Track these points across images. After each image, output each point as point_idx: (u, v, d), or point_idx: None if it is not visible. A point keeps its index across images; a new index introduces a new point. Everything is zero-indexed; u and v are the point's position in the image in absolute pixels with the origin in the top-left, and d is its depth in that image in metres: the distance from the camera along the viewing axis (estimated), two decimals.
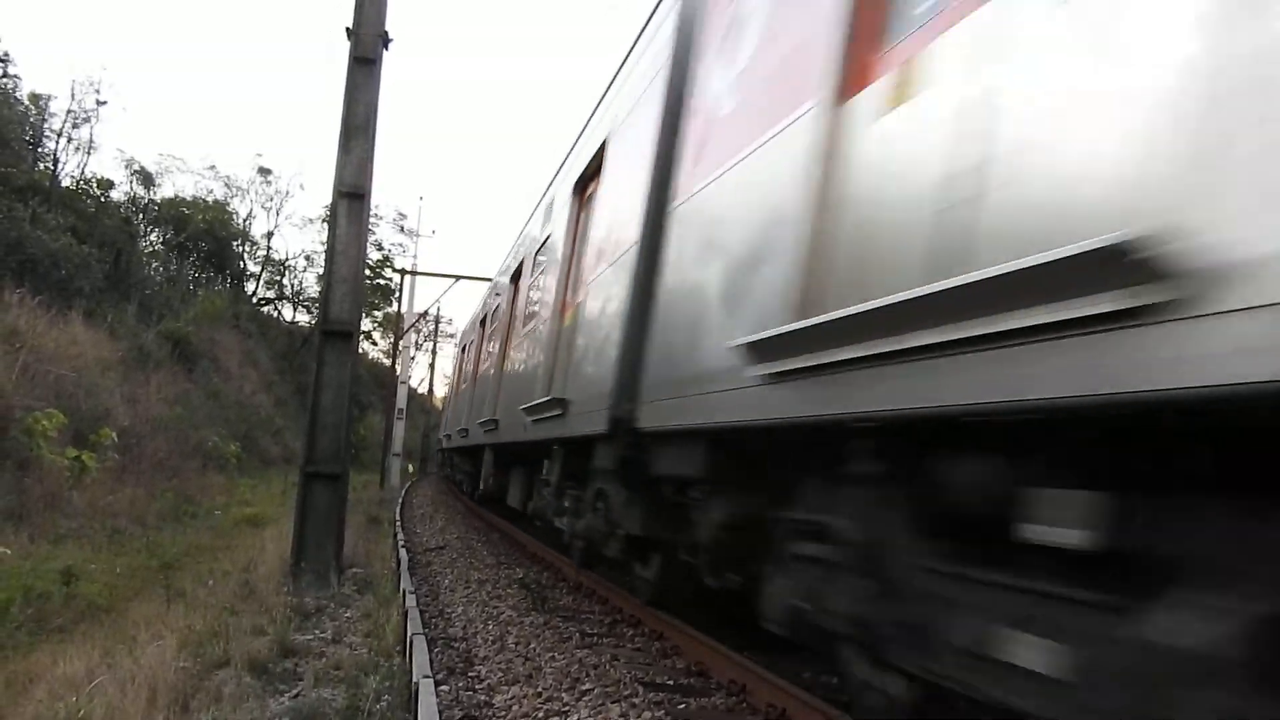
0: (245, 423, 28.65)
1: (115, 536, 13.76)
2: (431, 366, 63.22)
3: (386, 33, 9.73)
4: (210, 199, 40.52)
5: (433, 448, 56.67)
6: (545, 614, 8.09)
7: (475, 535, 15.87)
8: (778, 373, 2.38)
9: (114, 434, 17.29)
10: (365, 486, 29.79)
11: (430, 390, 61.91)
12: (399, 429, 34.97)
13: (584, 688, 5.47)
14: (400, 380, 35.76)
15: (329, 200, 10.18)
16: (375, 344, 60.98)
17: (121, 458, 17.23)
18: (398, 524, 16.05)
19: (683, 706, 5.14)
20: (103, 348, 21.87)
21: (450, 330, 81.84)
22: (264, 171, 44.90)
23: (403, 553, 11.29)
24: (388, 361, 73.85)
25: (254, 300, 44.30)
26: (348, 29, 9.66)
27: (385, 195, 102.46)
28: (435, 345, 63.83)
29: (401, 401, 35.42)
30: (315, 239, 62.61)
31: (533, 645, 6.74)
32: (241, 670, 5.68)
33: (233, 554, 12.06)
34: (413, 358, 71.94)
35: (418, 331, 74.89)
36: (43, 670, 6.95)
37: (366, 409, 52.92)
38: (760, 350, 2.51)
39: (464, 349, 23.69)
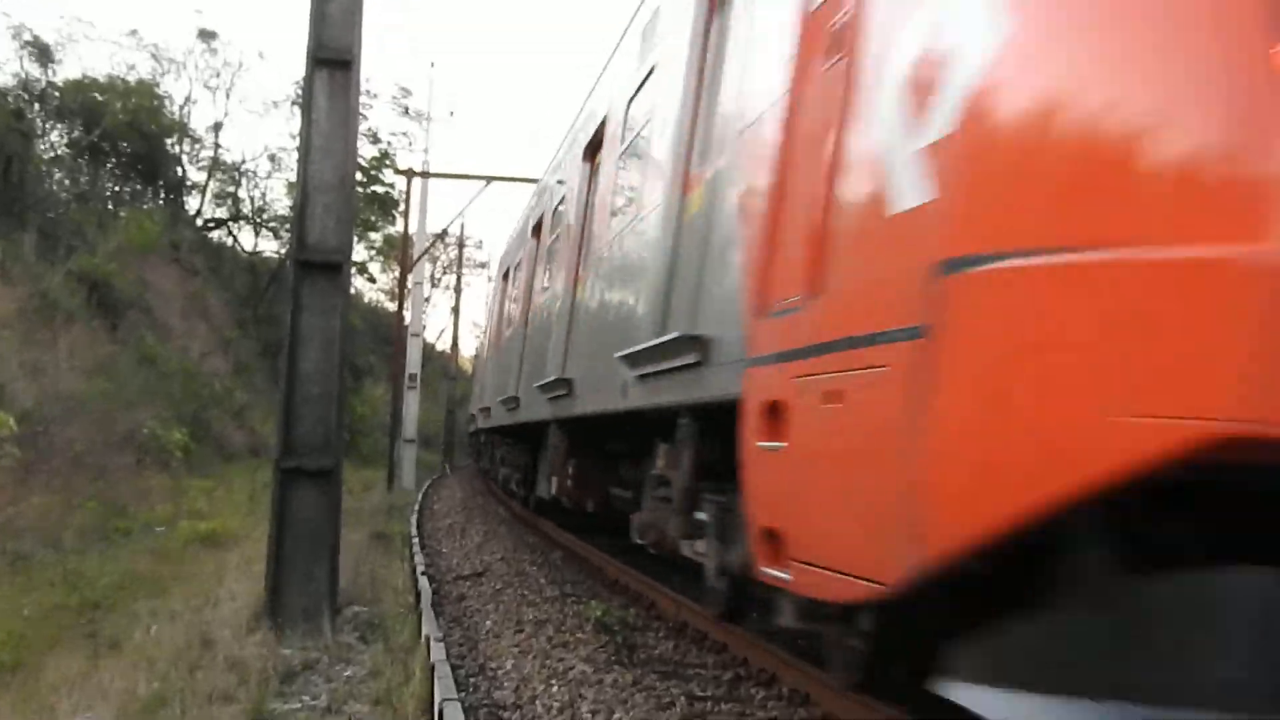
0: (194, 399, 29.50)
1: (19, 564, 14.33)
2: (455, 311, 64.12)
3: None
4: (133, 79, 41.39)
5: (461, 429, 57.58)
6: (635, 668, 8.16)
7: (528, 554, 16.06)
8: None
9: (12, 420, 17.90)
10: (367, 488, 30.41)
11: (454, 345, 62.87)
12: (411, 403, 35.55)
13: None
14: (411, 332, 36.26)
15: (300, 74, 10.27)
16: (373, 281, 62.18)
17: (23, 453, 17.84)
18: (415, 541, 16.34)
19: None
20: None
21: (481, 257, 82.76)
22: (206, 36, 45.73)
23: (424, 582, 11.50)
24: (392, 306, 74.86)
25: (200, 223, 45.48)
26: None
27: (381, 64, 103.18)
28: (460, 279, 64.91)
29: (414, 363, 35.97)
30: (283, 131, 63.85)
31: (618, 717, 6.82)
32: None
33: (184, 587, 12.44)
34: (427, 299, 72.60)
35: (433, 260, 75.94)
36: None
37: (364, 375, 53.90)
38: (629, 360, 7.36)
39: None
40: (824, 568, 4.12)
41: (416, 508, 23.16)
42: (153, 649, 8.75)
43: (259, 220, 47.87)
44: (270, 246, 49.59)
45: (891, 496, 3.52)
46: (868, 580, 3.72)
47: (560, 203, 13.98)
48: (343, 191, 9.82)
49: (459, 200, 71.32)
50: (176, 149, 44.14)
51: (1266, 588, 2.68)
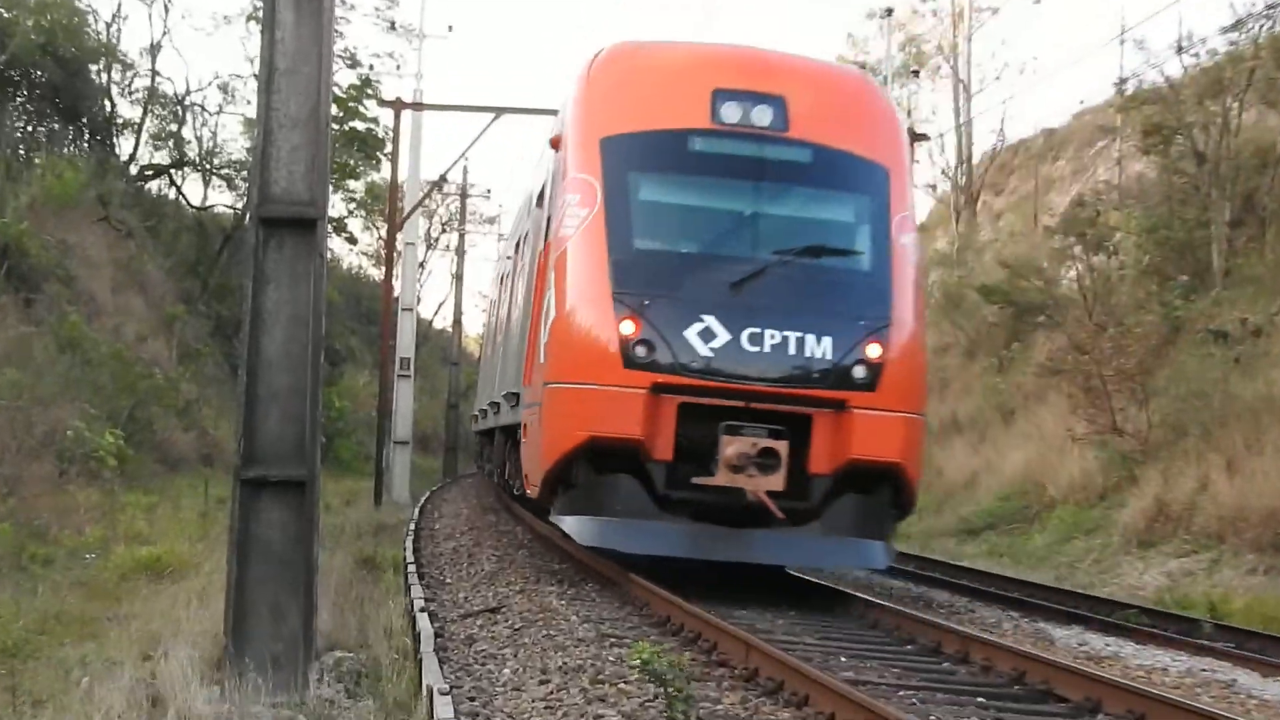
0: (129, 393, 29.64)
1: None
2: (457, 278, 64.17)
3: None
4: None
5: (467, 428, 57.69)
6: None
7: (553, 584, 16.09)
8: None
9: None
10: (349, 502, 30.54)
11: (457, 322, 63.01)
12: (403, 396, 35.64)
13: None
14: (402, 306, 36.32)
15: None
16: (354, 242, 62.25)
17: None
18: (411, 568, 16.39)
19: None
20: None
21: (489, 209, 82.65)
22: None
23: (424, 621, 11.53)
24: (377, 274, 74.65)
25: (134, 171, 45.66)
26: None
27: None
28: (462, 239, 64.84)
29: (406, 346, 36.09)
30: (237, 53, 63.58)
31: None
32: None
33: (124, 629, 12.53)
34: (422, 264, 72.42)
35: (429, 215, 75.45)
36: None
37: (344, 361, 54.11)
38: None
39: (519, 246, 24.13)
40: (530, 483, 17.07)
41: (412, 527, 23.23)
42: (84, 707, 8.80)
43: (209, 167, 47.95)
44: (224, 200, 49.78)
45: (538, 454, 16.23)
46: (534, 485, 16.62)
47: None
48: (315, 128, 9.83)
49: (460, 139, 70.66)
50: (103, 78, 44.28)
51: (624, 480, 15.06)
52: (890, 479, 15.76)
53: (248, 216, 10.74)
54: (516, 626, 12.47)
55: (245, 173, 44.00)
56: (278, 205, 9.77)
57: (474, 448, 46.24)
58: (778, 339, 15.29)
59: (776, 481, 14.77)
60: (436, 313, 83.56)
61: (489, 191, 67.79)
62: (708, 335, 15.23)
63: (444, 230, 75.01)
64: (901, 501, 16.26)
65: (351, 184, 51.69)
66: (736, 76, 16.83)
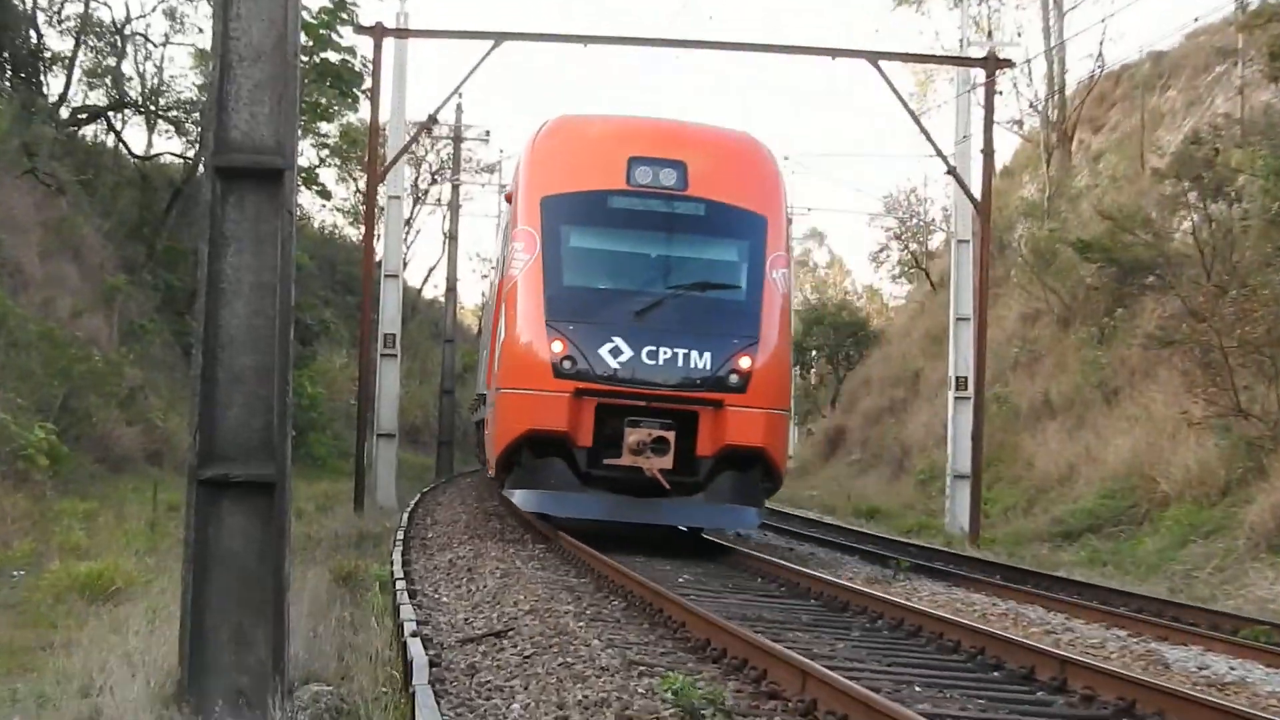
0: (62, 379, 29.68)
1: None
2: (451, 237, 64.08)
3: None
4: None
5: (465, 418, 57.69)
6: None
7: (569, 602, 16.11)
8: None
9: None
10: (325, 507, 30.55)
11: (450, 290, 62.85)
12: (388, 379, 35.63)
13: None
14: (386, 272, 36.24)
15: None
16: (328, 197, 62.05)
17: None
18: (400, 585, 16.40)
19: None
20: None
21: (488, 155, 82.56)
22: None
23: (416, 647, 11.54)
24: (355, 234, 74.32)
25: (66, 115, 45.65)
26: None
27: None
28: (457, 191, 64.67)
29: (391, 320, 36.06)
30: None
31: None
32: None
33: (60, 659, 12.55)
34: (409, 222, 72.06)
35: (416, 163, 75.15)
36: None
37: (316, 339, 53.93)
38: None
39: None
40: (490, 466, 28.58)
41: (401, 536, 23.29)
42: None
43: (154, 109, 47.98)
44: (172, 148, 49.92)
45: (493, 443, 26.00)
46: (492, 467, 27.26)
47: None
48: (281, 61, 9.82)
49: (454, 72, 70.53)
50: (28, 3, 44.31)
51: (556, 462, 23.78)
52: (758, 460, 24.18)
53: (201, 167, 10.72)
54: (526, 653, 12.48)
55: (198, 115, 43.98)
56: (238, 153, 9.77)
57: (475, 439, 46.53)
58: (670, 354, 23.81)
59: (667, 462, 23.11)
60: (427, 280, 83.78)
61: (488, 134, 66.50)
62: (616, 352, 23.72)
63: (434, 181, 74.77)
64: (769, 478, 24.88)
65: (324, 127, 51.64)
66: (648, 146, 25.70)
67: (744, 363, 23.84)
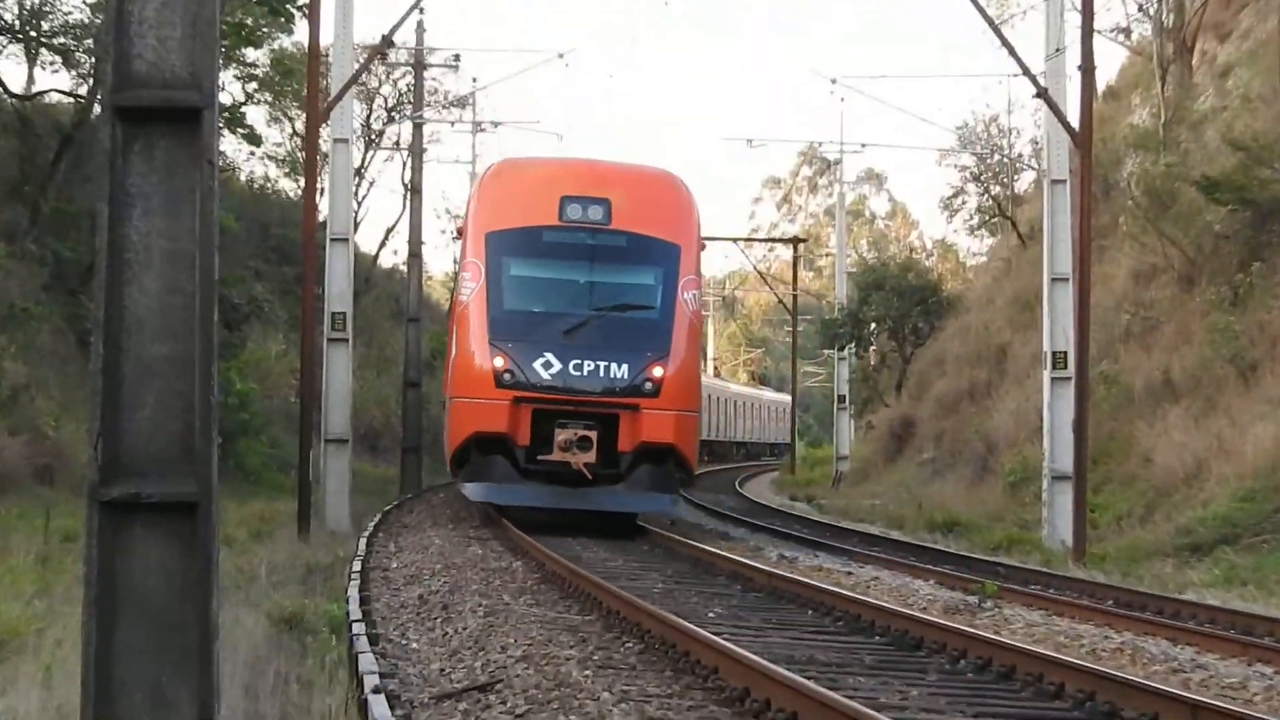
0: None
1: None
2: (412, 190, 63.88)
3: None
4: None
5: (436, 418, 57.73)
6: None
7: (572, 646, 16.16)
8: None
9: None
10: (261, 534, 30.61)
11: (415, 255, 62.62)
12: (337, 370, 35.76)
13: None
14: (332, 236, 36.28)
15: None
16: (257, 143, 61.60)
17: None
18: (357, 628, 16.43)
19: None
20: None
21: (458, 86, 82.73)
22: None
23: (379, 708, 11.58)
24: (292, 189, 73.77)
25: None
26: None
27: None
28: (419, 131, 64.27)
29: (340, 296, 36.17)
30: None
31: None
32: None
33: None
34: (359, 171, 71.56)
35: (367, 98, 74.67)
36: None
37: (245, 321, 53.83)
38: None
39: None
40: (447, 464, 41.37)
41: (358, 566, 23.28)
42: None
43: (35, 35, 48.10)
44: (60, 84, 50.00)
45: (448, 440, 38.76)
46: (449, 465, 40.26)
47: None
48: None
49: None
50: None
51: (499, 459, 34.61)
52: (670, 454, 34.39)
53: (98, 108, 10.78)
54: (519, 711, 12.53)
55: (91, 43, 44.08)
56: (143, 89, 9.80)
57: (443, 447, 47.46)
58: (594, 366, 33.94)
59: (590, 456, 33.08)
60: (384, 244, 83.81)
61: (456, 59, 65.63)
62: (548, 365, 33.85)
63: (391, 120, 74.92)
64: (682, 469, 35.26)
65: (251, 54, 51.84)
66: (578, 186, 36.07)
67: (657, 372, 34.15)
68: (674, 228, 36.58)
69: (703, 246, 39.33)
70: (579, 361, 33.90)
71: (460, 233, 39.04)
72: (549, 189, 36.11)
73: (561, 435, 33.02)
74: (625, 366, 33.96)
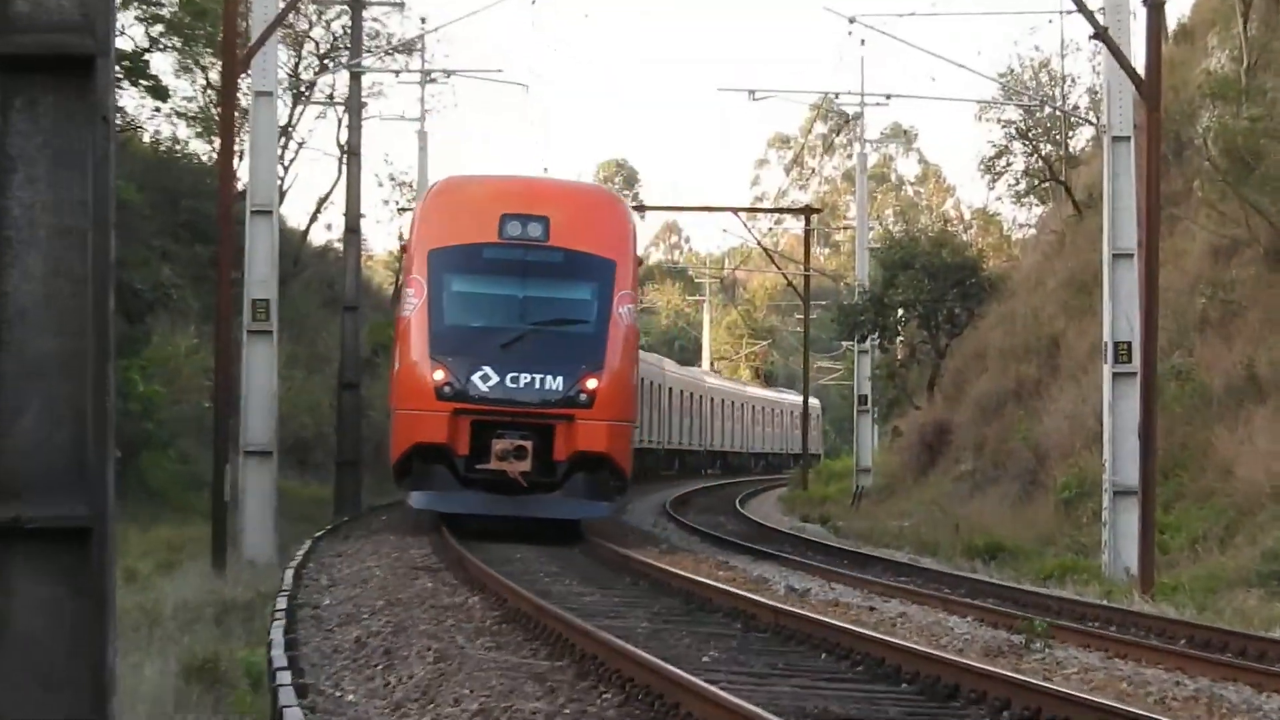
0: None
1: None
2: (348, 151, 63.73)
3: None
4: None
5: (379, 425, 57.94)
6: None
7: (539, 698, 16.19)
8: None
9: None
10: (166, 566, 30.66)
11: (352, 231, 62.40)
12: (259, 367, 35.76)
13: None
14: (253, 207, 36.23)
15: None
16: (163, 97, 61.31)
17: None
18: (281, 676, 16.40)
19: None
20: None
21: (403, 34, 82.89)
22: None
23: None
24: (207, 152, 73.80)
25: None
26: None
27: None
28: (357, 83, 64.17)
29: (263, 282, 36.11)
30: None
31: None
32: None
33: None
34: (286, 129, 71.54)
35: (295, 41, 74.69)
36: None
37: (150, 310, 53.75)
38: None
39: None
40: (394, 469, 49.64)
41: (284, 603, 23.27)
42: None
43: None
44: None
45: (395, 447, 47.02)
46: (392, 465, 48.82)
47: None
48: None
49: None
50: None
51: (439, 468, 44.32)
52: (605, 463, 42.16)
53: None
54: None
55: None
56: (24, 34, 9.70)
57: (388, 460, 50.13)
58: (529, 379, 41.33)
59: (526, 465, 40.16)
60: (316, 216, 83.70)
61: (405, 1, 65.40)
62: (486, 378, 41.46)
63: (324, 69, 74.73)
64: (617, 477, 43.46)
65: None
66: (518, 203, 43.78)
67: (591, 384, 41.40)
68: (610, 244, 44.15)
69: (640, 262, 48.14)
70: (516, 374, 41.01)
71: (405, 249, 47.93)
72: (490, 206, 43.59)
73: (499, 445, 39.88)
74: (560, 379, 41.03)
